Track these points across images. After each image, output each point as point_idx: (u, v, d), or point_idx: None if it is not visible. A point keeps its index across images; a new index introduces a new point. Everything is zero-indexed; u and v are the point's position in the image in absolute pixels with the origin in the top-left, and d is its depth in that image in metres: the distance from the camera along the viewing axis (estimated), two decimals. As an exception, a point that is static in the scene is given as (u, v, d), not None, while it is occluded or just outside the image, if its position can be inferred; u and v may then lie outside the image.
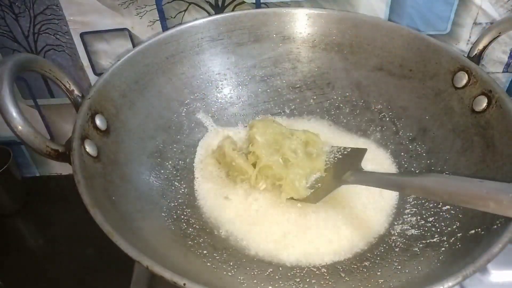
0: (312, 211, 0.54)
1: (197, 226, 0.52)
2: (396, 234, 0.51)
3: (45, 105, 0.70)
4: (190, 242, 0.49)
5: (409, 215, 0.53)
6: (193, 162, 0.59)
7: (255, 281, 0.46)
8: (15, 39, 0.63)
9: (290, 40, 0.64)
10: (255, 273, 0.47)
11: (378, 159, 0.59)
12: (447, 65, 0.56)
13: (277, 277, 0.47)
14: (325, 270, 0.48)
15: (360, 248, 0.51)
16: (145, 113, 0.56)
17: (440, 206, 0.51)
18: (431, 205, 0.52)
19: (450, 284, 0.36)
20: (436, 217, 0.50)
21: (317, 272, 0.48)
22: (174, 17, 0.63)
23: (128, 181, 0.49)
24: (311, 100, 0.65)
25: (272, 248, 0.50)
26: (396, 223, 0.53)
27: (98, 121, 0.48)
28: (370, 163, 0.58)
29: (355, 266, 0.48)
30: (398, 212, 0.54)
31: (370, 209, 0.55)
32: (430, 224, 0.50)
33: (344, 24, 0.62)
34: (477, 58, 0.55)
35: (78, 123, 0.46)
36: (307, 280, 0.47)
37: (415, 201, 0.54)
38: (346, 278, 0.46)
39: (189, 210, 0.54)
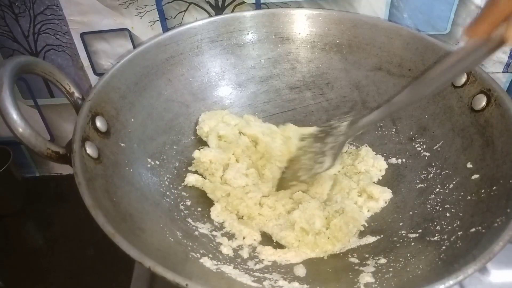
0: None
1: (198, 227, 0.52)
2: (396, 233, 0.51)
3: (45, 105, 0.70)
4: (191, 243, 0.49)
5: (409, 215, 0.53)
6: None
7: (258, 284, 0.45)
8: (15, 39, 0.63)
9: (289, 40, 0.64)
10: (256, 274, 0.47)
11: (377, 159, 0.59)
12: (446, 64, 0.56)
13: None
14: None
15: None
16: (145, 115, 0.56)
17: (440, 205, 0.51)
18: (430, 205, 0.52)
19: (450, 282, 0.36)
20: (436, 216, 0.50)
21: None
22: (174, 17, 0.63)
23: (129, 182, 0.49)
24: (310, 100, 0.65)
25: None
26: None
27: (99, 123, 0.48)
28: (368, 162, 0.58)
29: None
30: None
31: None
32: (430, 223, 0.50)
33: (343, 25, 0.62)
34: (476, 58, 0.55)
35: (79, 125, 0.46)
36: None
37: (414, 201, 0.54)
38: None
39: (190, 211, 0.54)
